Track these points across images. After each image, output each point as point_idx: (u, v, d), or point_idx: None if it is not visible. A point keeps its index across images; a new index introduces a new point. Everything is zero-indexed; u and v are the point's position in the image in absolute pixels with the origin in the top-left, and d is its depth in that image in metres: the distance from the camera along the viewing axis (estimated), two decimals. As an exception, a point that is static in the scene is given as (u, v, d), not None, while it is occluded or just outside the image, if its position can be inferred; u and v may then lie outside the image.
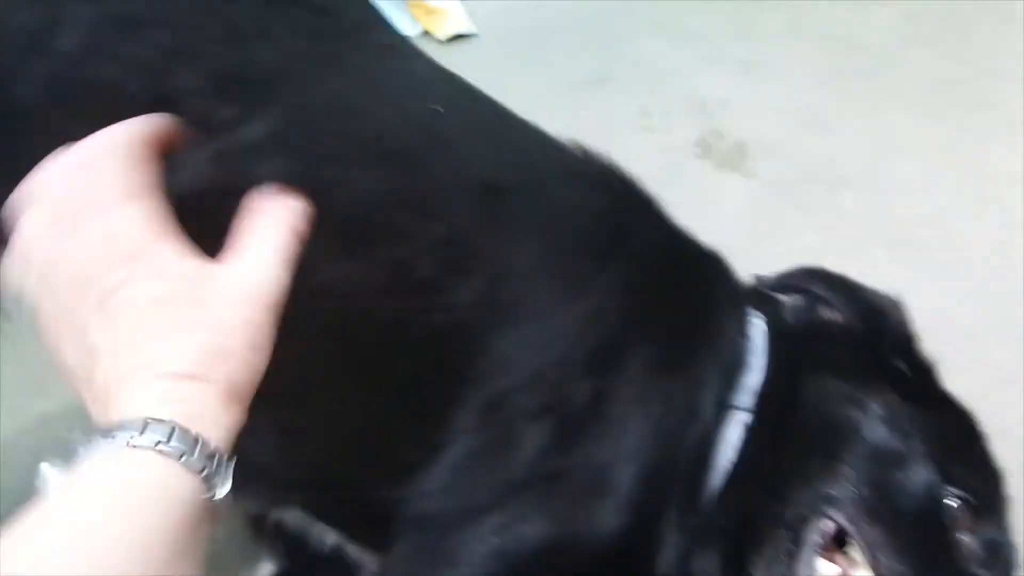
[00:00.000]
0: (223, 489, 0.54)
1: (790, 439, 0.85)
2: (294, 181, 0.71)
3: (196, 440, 0.52)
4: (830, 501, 0.80)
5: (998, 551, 0.81)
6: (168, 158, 0.66)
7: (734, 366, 0.88)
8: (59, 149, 0.62)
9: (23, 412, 1.22)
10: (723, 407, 0.86)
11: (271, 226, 0.64)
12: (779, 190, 1.53)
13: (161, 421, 0.52)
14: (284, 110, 0.75)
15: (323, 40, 0.80)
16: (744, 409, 0.86)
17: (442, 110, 0.82)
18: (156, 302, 0.57)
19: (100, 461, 0.51)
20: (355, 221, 0.77)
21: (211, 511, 0.54)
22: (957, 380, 0.89)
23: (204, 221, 0.66)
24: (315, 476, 0.84)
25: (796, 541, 0.81)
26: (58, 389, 1.22)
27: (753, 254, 0.96)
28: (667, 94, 1.74)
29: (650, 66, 1.84)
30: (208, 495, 0.53)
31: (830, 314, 0.91)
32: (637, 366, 0.83)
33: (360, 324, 0.78)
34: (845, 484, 0.81)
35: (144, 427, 0.51)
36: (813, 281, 0.93)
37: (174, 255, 0.59)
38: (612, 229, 0.89)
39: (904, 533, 0.79)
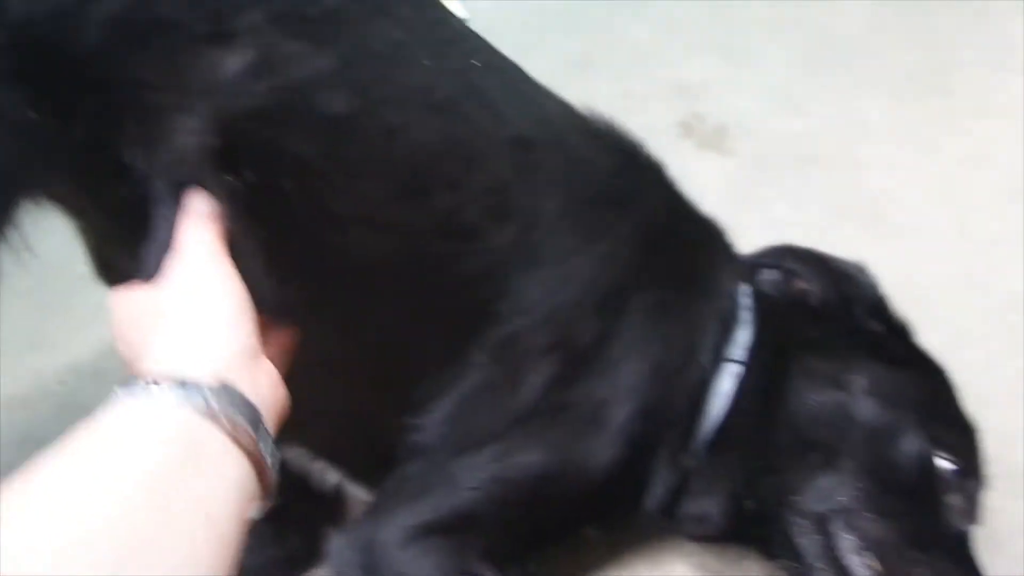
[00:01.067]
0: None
1: (785, 416, 0.91)
2: (356, 117, 0.77)
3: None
4: (841, 509, 0.85)
5: (974, 497, 0.89)
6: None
7: (729, 319, 0.95)
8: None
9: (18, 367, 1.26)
10: (718, 356, 0.93)
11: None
12: (756, 168, 1.61)
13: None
14: (344, 50, 0.79)
15: None
16: (737, 362, 0.93)
17: (479, 64, 0.87)
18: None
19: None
20: (414, 167, 0.82)
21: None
22: (924, 339, 0.97)
23: (259, 145, 0.72)
24: (326, 410, 0.87)
25: (824, 531, 0.86)
26: (51, 344, 1.28)
27: (732, 226, 1.03)
28: (649, 78, 1.82)
29: (633, 51, 1.92)
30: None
31: (804, 286, 0.98)
32: (641, 310, 0.90)
33: (407, 263, 0.83)
34: (849, 485, 0.86)
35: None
36: (785, 257, 1.01)
37: None
38: (627, 185, 0.96)
39: (901, 509, 0.86)
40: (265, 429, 0.64)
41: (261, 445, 0.62)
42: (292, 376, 0.82)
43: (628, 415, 0.86)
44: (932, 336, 0.97)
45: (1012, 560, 0.95)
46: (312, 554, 0.97)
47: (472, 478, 0.84)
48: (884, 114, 1.74)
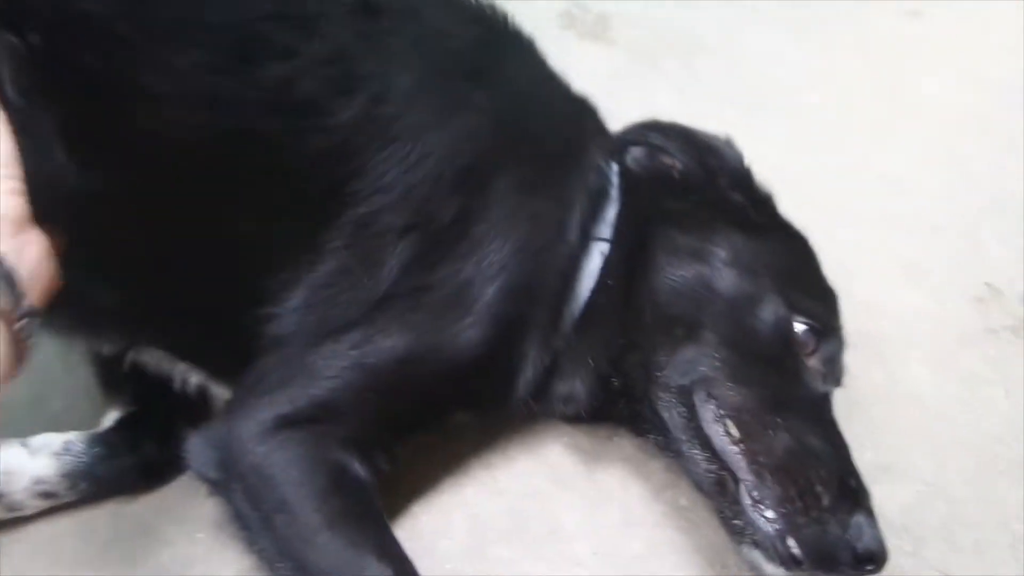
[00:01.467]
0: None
1: (649, 291, 0.88)
2: None
3: None
4: (703, 379, 0.84)
5: (834, 361, 0.89)
6: None
7: (598, 196, 0.91)
8: None
9: None
10: (587, 234, 0.89)
11: None
12: (639, 58, 1.57)
13: None
14: None
15: None
16: (605, 240, 0.90)
17: None
18: None
19: None
20: (237, 33, 0.74)
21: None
22: (795, 215, 0.96)
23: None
24: (178, 307, 0.82)
25: (688, 403, 0.85)
26: None
27: (615, 115, 0.99)
28: (532, -32, 1.74)
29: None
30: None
31: (669, 160, 0.95)
32: (505, 186, 0.85)
33: (237, 145, 0.75)
34: (710, 356, 0.84)
35: None
36: (651, 132, 0.97)
37: None
38: (487, 56, 0.90)
39: (761, 375, 0.85)
40: (21, 293, 0.58)
41: (17, 310, 0.57)
42: (129, 272, 0.76)
43: (494, 294, 0.82)
44: (807, 215, 0.97)
45: (870, 423, 0.98)
46: (171, 461, 0.92)
47: (330, 367, 0.79)
48: (768, 4, 1.71)
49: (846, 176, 1.34)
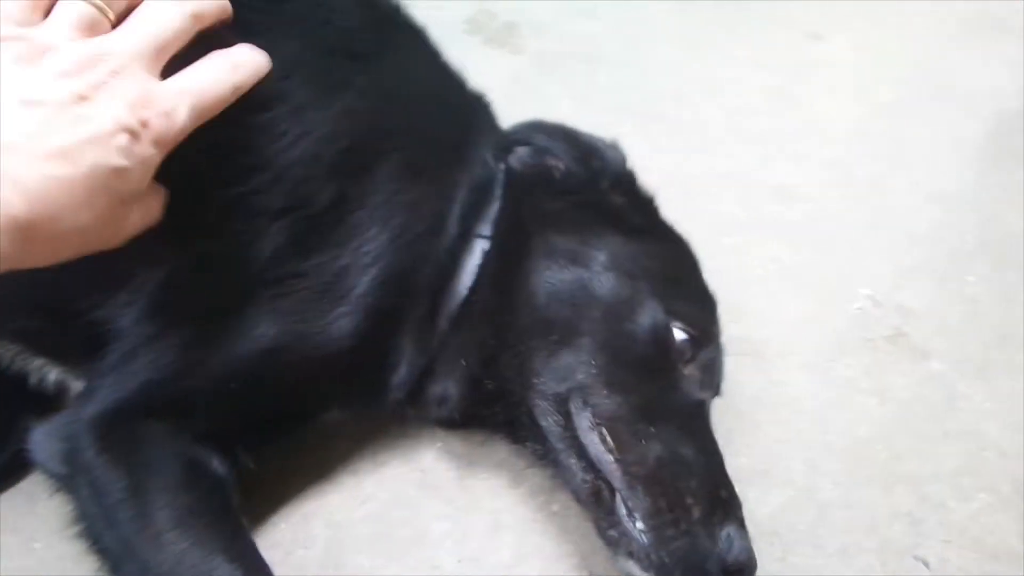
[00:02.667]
0: None
1: (525, 293, 0.86)
2: None
3: None
4: (578, 386, 0.81)
5: (713, 369, 0.88)
6: None
7: (482, 191, 0.89)
8: None
9: None
10: (468, 230, 0.87)
11: None
12: (543, 66, 1.58)
13: None
14: None
15: None
16: (485, 237, 0.87)
17: None
18: None
19: None
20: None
21: None
22: (687, 225, 0.96)
23: None
24: (28, 301, 0.77)
25: (563, 411, 0.82)
26: None
27: (514, 121, 0.97)
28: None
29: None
30: None
31: (553, 162, 0.93)
32: (385, 173, 0.82)
33: None
34: (587, 364, 0.82)
35: None
36: (535, 132, 0.95)
37: None
38: (376, 39, 0.87)
39: (636, 382, 0.83)
40: None
41: None
42: None
43: (369, 284, 0.79)
44: (696, 223, 0.97)
45: (746, 428, 0.98)
46: (10, 466, 0.85)
47: (190, 356, 0.75)
48: (667, 19, 1.75)
49: (736, 185, 1.36)
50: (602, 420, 0.80)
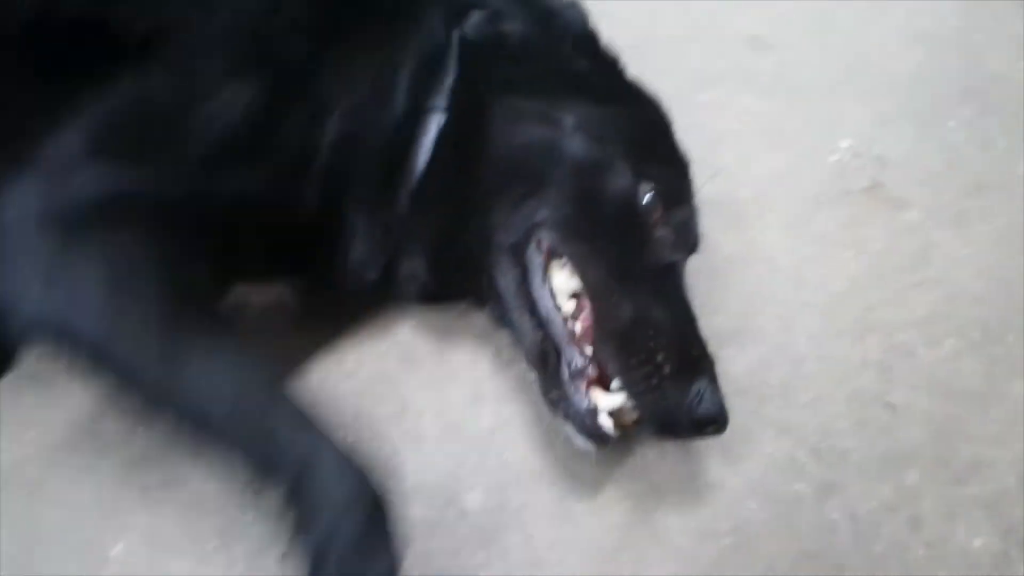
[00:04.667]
0: None
1: (488, 159, 0.84)
2: None
3: None
4: (540, 224, 0.82)
5: (687, 229, 0.88)
6: None
7: (434, 61, 0.85)
8: None
9: None
10: (420, 103, 0.83)
11: None
12: None
13: None
14: None
15: None
16: (441, 109, 0.84)
17: None
18: None
19: None
20: None
21: None
22: (657, 83, 0.92)
23: None
24: None
25: (520, 263, 0.83)
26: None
27: None
28: None
29: None
30: None
31: (510, 26, 0.89)
32: (334, 41, 0.79)
33: None
34: (551, 205, 0.82)
35: None
36: None
37: None
38: None
39: (606, 239, 0.83)
40: None
41: None
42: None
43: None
44: (667, 80, 0.93)
45: (722, 288, 0.98)
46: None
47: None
48: None
49: (707, 37, 1.31)
50: (561, 250, 0.81)
